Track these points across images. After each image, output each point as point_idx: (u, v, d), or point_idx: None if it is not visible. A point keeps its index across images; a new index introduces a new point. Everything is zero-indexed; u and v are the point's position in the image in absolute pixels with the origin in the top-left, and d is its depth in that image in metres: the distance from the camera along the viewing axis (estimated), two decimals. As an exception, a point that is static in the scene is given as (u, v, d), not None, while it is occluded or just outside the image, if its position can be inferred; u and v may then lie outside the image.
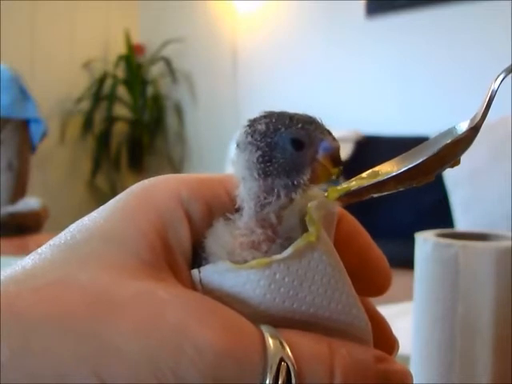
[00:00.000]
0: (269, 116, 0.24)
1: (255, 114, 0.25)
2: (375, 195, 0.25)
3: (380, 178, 0.24)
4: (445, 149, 0.24)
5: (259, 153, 0.24)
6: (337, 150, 0.24)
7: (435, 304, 0.47)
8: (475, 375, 0.46)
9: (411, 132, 2.41)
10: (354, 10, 2.83)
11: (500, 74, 0.24)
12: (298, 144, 0.24)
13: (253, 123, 0.24)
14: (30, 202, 1.61)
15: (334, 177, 0.24)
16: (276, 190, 0.24)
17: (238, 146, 0.24)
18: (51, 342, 0.19)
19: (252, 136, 0.24)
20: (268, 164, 0.24)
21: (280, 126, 0.24)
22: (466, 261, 0.46)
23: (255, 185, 0.24)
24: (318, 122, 0.24)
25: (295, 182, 0.24)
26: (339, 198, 0.25)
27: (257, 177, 0.24)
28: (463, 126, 0.24)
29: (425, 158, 0.24)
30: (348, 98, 2.87)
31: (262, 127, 0.24)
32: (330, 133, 0.24)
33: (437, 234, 0.50)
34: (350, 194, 0.25)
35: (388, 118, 2.73)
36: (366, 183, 0.24)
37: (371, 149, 2.54)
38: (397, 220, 2.42)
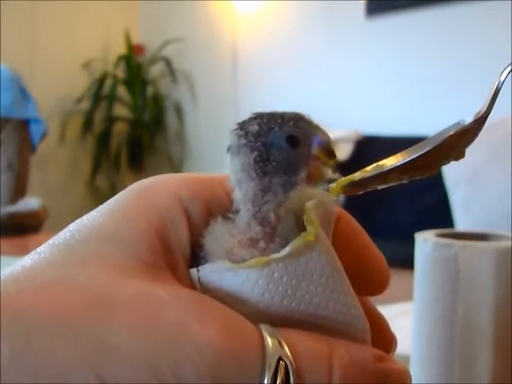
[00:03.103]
0: (259, 117, 0.24)
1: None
2: (379, 187, 0.25)
3: (384, 169, 0.24)
4: (450, 140, 0.24)
5: (255, 153, 0.24)
6: (329, 142, 0.24)
7: (435, 304, 0.47)
8: (475, 375, 0.46)
9: (411, 132, 2.41)
10: (354, 10, 2.83)
11: (507, 66, 0.24)
12: (293, 141, 0.24)
13: (243, 125, 0.24)
14: (29, 202, 1.61)
15: (330, 169, 0.24)
16: (273, 189, 0.24)
17: (230, 149, 0.24)
18: (51, 342, 0.19)
19: (245, 137, 0.24)
20: (266, 163, 0.24)
21: (273, 126, 0.24)
22: (466, 261, 0.46)
23: (252, 185, 0.24)
24: (307, 118, 0.25)
25: (293, 180, 0.24)
26: (343, 189, 0.25)
27: (254, 176, 0.24)
28: (469, 121, 0.25)
29: (429, 148, 0.24)
30: (348, 98, 2.87)
31: (254, 128, 0.24)
32: (319, 127, 0.25)
33: (437, 234, 0.50)
34: (354, 184, 0.25)
35: (388, 118, 2.73)
36: (369, 174, 0.24)
37: (371, 149, 2.54)
38: (397, 220, 2.42)
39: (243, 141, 0.24)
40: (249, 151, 0.24)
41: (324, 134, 0.24)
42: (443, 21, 2.58)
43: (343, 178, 0.25)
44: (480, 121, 0.24)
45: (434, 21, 2.60)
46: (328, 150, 0.24)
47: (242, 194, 0.24)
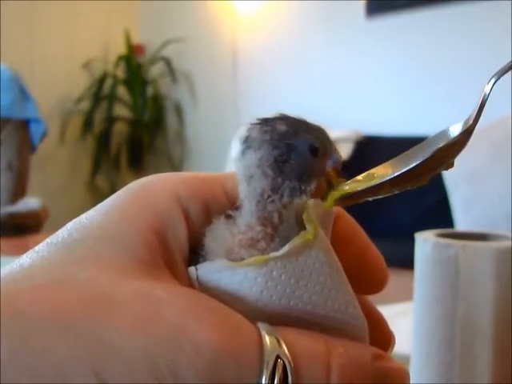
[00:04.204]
0: (285, 118, 0.25)
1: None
2: (370, 198, 0.25)
3: (374, 182, 0.25)
4: (438, 152, 0.24)
5: (277, 152, 0.24)
6: (341, 163, 0.25)
7: (435, 304, 0.47)
8: (475, 375, 0.46)
9: (411, 132, 2.41)
10: (354, 10, 2.83)
11: (492, 77, 0.25)
12: (315, 151, 0.24)
13: (268, 122, 0.24)
14: (29, 202, 1.61)
15: (336, 187, 0.25)
16: (282, 190, 0.24)
17: (249, 143, 0.24)
18: (50, 341, 0.19)
19: (270, 134, 0.24)
20: (285, 164, 0.24)
21: (299, 131, 0.24)
22: (466, 261, 0.46)
23: (263, 183, 0.24)
24: (327, 133, 0.25)
25: (303, 187, 0.24)
26: (335, 202, 0.25)
27: (269, 174, 0.24)
28: (456, 128, 0.25)
29: (419, 161, 0.24)
30: (348, 98, 2.87)
31: (282, 128, 0.24)
32: (336, 146, 0.25)
33: (437, 234, 0.50)
34: (345, 197, 0.25)
35: (388, 118, 2.73)
36: (360, 187, 0.25)
37: (371, 149, 2.54)
38: (397, 220, 2.42)
39: (267, 137, 0.24)
40: (271, 148, 0.24)
41: (339, 153, 0.25)
42: (443, 21, 2.58)
43: (335, 192, 0.25)
44: (467, 133, 0.25)
45: (434, 21, 2.60)
46: (338, 170, 0.25)
47: (249, 190, 0.24)
